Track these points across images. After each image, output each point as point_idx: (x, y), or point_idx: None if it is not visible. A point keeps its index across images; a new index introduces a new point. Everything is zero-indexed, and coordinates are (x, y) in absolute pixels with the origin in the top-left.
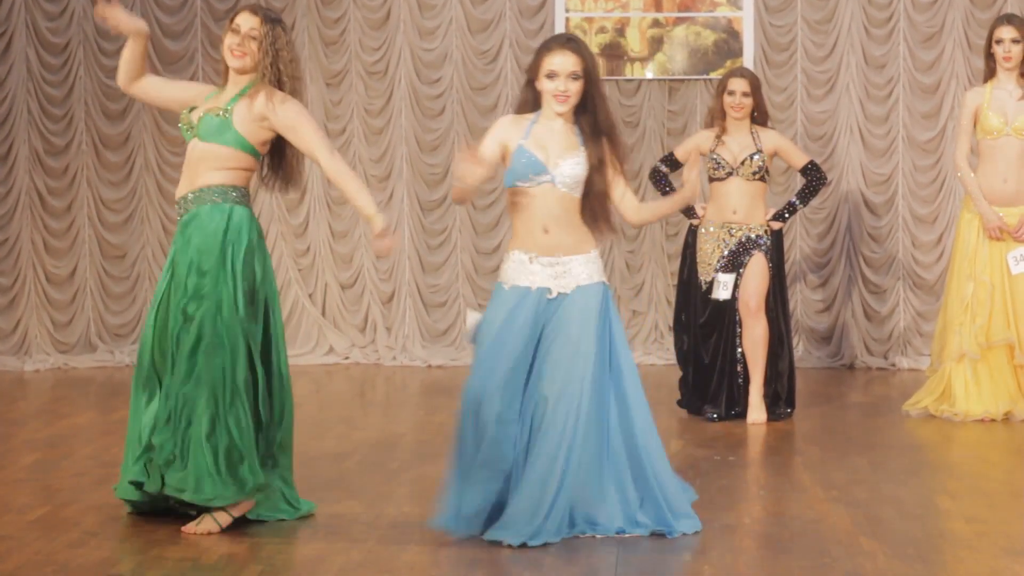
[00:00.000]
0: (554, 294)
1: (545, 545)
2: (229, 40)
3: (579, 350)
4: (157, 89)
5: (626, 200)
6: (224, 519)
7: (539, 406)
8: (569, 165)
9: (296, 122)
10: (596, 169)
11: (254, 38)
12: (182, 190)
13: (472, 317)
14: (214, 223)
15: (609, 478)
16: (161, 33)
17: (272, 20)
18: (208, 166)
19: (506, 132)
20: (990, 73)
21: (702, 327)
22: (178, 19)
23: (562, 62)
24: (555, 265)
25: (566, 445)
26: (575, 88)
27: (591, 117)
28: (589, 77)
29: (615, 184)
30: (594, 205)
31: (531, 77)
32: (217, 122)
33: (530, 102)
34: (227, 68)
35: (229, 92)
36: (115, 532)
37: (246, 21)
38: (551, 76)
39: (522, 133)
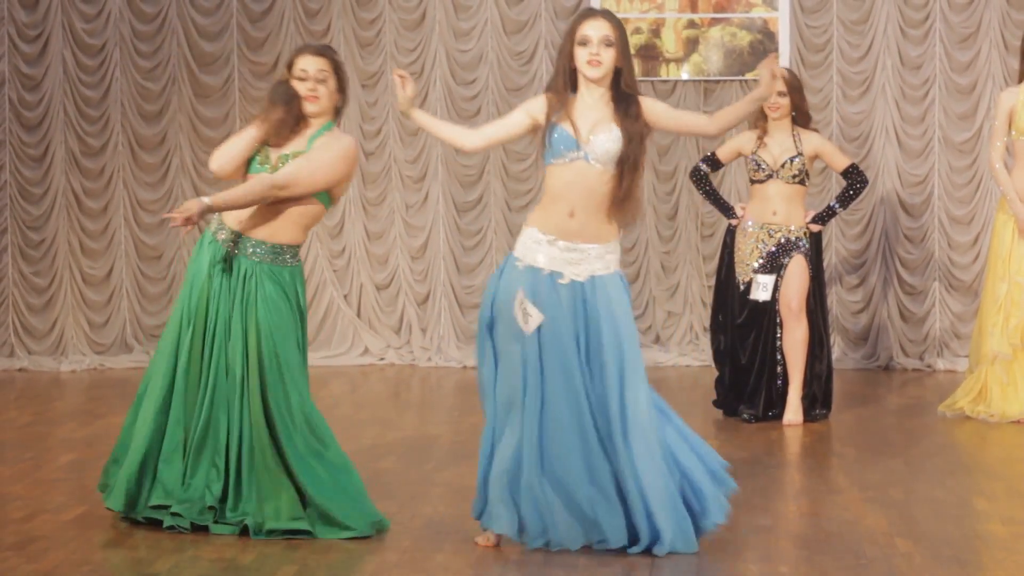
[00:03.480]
0: (566, 280)
1: (583, 546)
2: (300, 87)
3: (622, 352)
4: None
5: (693, 119)
6: None
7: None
8: (602, 140)
9: (330, 146)
10: (631, 141)
11: (323, 80)
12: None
13: (535, 319)
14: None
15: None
16: (197, 34)
17: (333, 53)
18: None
19: (538, 107)
20: None
21: (740, 327)
22: (214, 20)
23: (595, 26)
24: (572, 251)
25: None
26: (608, 55)
27: (622, 87)
28: (621, 48)
29: (673, 120)
30: (626, 180)
31: (565, 52)
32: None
33: (563, 83)
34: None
35: (306, 137)
36: (150, 532)
37: (312, 64)
38: (584, 42)
39: (556, 109)
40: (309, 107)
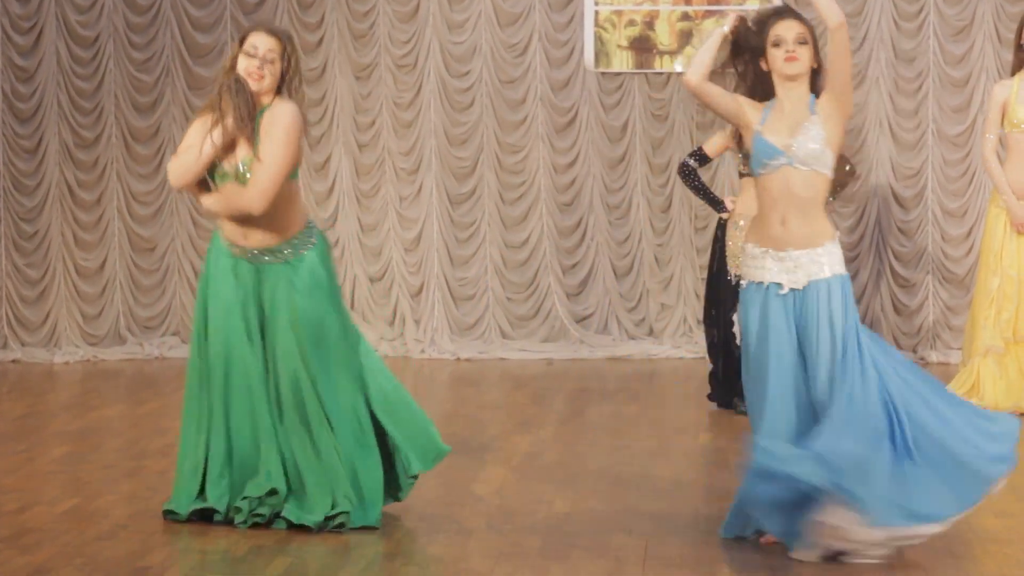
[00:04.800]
0: (785, 290)
1: (576, 537)
2: (245, 63)
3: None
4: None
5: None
6: None
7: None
8: (803, 142)
9: (273, 126)
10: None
11: (272, 61)
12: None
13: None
14: None
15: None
16: (191, 26)
17: (288, 37)
18: None
19: (748, 108)
20: (1018, 65)
21: (732, 321)
22: (207, 12)
23: (787, 26)
24: (785, 260)
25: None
26: (805, 52)
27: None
28: (817, 48)
29: (830, 60)
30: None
31: (755, 57)
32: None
33: (758, 90)
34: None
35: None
36: (144, 524)
37: (263, 43)
38: (777, 43)
39: (760, 117)
40: (252, 84)
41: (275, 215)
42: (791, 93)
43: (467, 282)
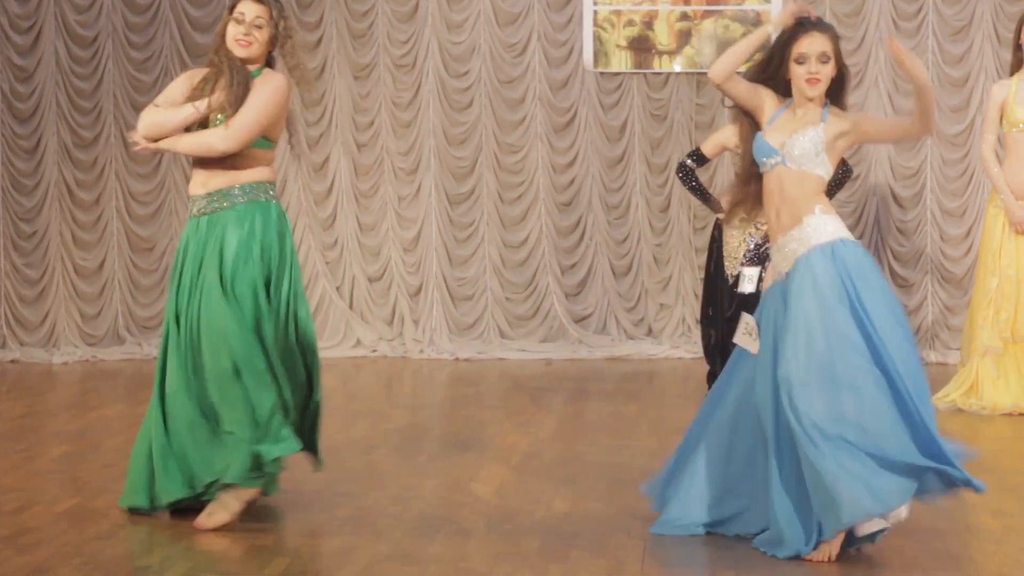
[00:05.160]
0: (783, 276)
1: (575, 538)
2: (234, 30)
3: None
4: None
5: (900, 123)
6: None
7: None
8: (797, 141)
9: (259, 88)
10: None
11: (260, 27)
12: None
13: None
14: None
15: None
16: (190, 26)
17: (277, 10)
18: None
19: (769, 100)
20: (1017, 65)
21: (729, 321)
22: (206, 12)
23: (811, 43)
24: (783, 248)
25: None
26: (827, 71)
27: (841, 100)
28: (839, 59)
29: (884, 128)
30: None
31: (778, 61)
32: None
33: (780, 88)
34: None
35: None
36: (143, 524)
37: (251, 9)
38: (800, 60)
39: (772, 115)
40: (240, 51)
41: (239, 159)
42: (807, 102)
43: (466, 282)
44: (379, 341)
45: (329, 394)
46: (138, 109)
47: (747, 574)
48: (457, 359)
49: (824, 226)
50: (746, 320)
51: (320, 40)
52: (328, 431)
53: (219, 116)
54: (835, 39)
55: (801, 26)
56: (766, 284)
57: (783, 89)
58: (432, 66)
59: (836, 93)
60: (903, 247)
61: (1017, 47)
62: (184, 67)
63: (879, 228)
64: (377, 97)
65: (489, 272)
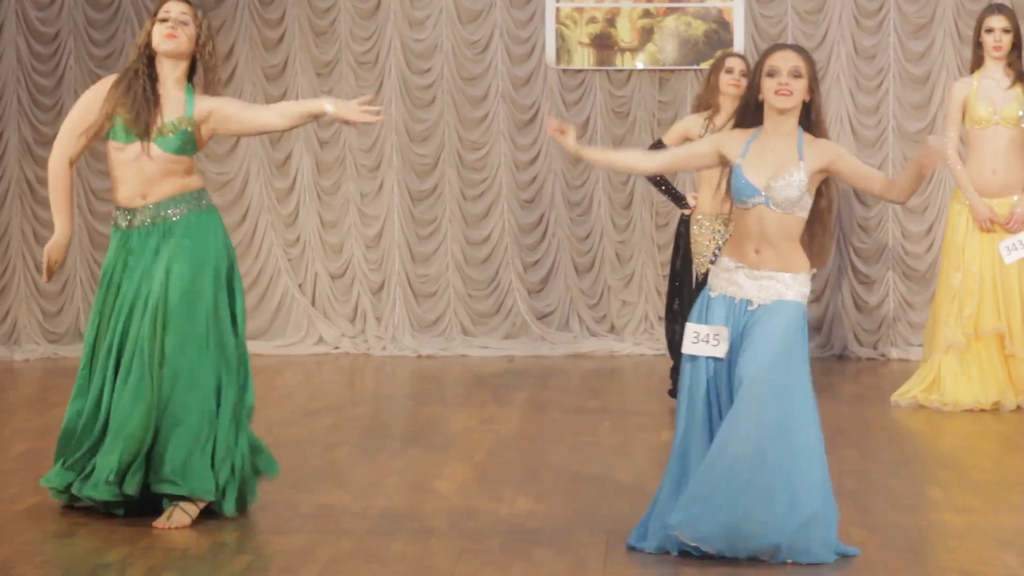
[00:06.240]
0: (755, 306)
1: (537, 535)
2: (159, 29)
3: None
4: (85, 140)
5: (871, 177)
6: (193, 510)
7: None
8: (782, 187)
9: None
10: (819, 187)
11: (184, 23)
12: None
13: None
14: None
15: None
16: None
17: (199, 9)
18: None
19: (727, 141)
20: (977, 62)
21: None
22: None
23: (784, 57)
24: (761, 279)
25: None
26: (798, 86)
27: (814, 127)
28: (813, 83)
29: (858, 174)
30: (813, 225)
31: (754, 85)
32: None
33: (750, 118)
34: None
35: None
36: (104, 522)
37: (174, 7)
38: (772, 73)
39: (741, 149)
40: (167, 45)
41: (179, 168)
42: (780, 127)
43: (428, 279)
44: (341, 338)
45: (291, 391)
46: None
47: (711, 569)
48: (420, 356)
49: (806, 289)
50: (696, 329)
51: (282, 37)
52: (290, 428)
53: (170, 122)
54: (810, 61)
55: (774, 46)
56: (715, 283)
57: (749, 121)
58: (394, 63)
59: (809, 123)
60: (864, 243)
61: (977, 44)
62: None
63: (841, 224)
64: (339, 94)
65: (452, 269)
